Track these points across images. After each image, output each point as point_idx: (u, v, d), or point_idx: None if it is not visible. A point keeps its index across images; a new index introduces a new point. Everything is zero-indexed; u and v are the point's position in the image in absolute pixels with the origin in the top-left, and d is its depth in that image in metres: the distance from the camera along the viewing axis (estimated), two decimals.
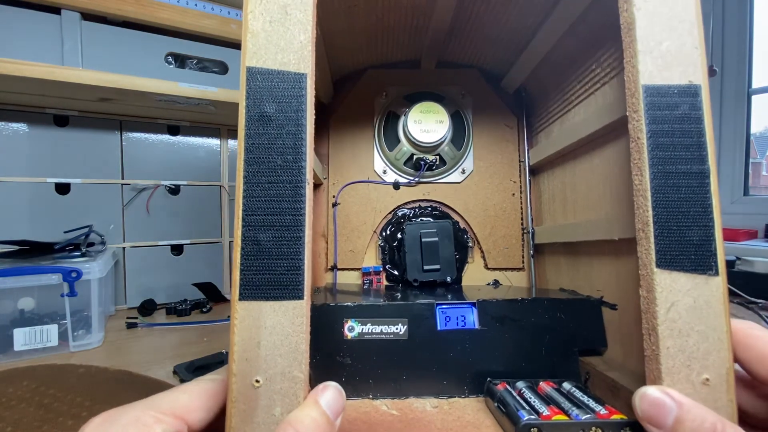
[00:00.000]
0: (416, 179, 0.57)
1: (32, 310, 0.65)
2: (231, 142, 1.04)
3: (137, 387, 0.53)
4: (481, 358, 0.38)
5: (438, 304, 0.39)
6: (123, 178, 0.91)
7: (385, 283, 0.55)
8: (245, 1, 0.27)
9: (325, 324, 0.38)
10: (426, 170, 0.56)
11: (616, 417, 0.28)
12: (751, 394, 0.27)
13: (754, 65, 1.36)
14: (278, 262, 0.25)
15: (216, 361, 0.59)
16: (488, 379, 0.37)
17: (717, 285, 0.26)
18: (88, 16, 0.77)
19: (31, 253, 0.75)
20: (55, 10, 0.75)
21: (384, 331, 0.38)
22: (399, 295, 0.46)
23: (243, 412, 0.23)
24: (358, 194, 0.57)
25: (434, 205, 0.58)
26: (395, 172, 0.57)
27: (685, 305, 0.25)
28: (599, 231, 0.41)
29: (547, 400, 0.32)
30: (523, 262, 0.57)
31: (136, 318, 0.82)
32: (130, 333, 0.75)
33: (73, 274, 0.64)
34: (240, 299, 0.25)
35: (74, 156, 0.86)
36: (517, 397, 0.33)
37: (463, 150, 0.57)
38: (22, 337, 0.63)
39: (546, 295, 0.45)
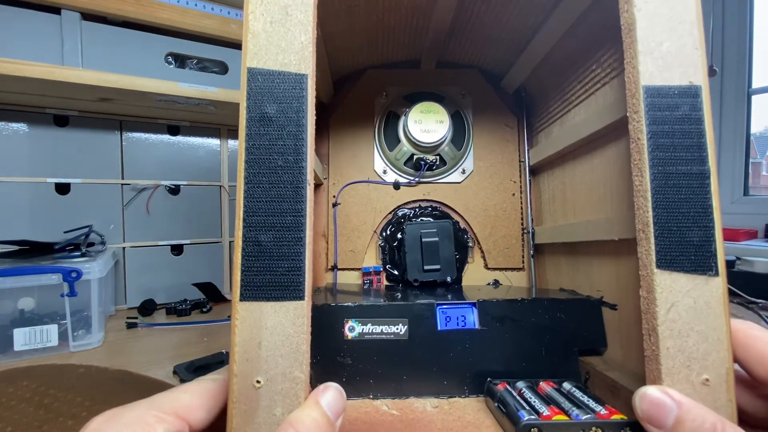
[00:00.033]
0: (416, 179, 0.57)
1: (32, 310, 0.65)
2: (231, 142, 1.03)
3: (137, 387, 0.53)
4: (481, 358, 0.38)
5: (438, 305, 0.39)
6: (123, 178, 0.91)
7: (386, 283, 0.55)
8: (246, 1, 0.27)
9: (325, 324, 0.38)
10: (426, 170, 0.56)
11: (616, 417, 0.28)
12: (751, 394, 0.27)
13: (754, 65, 1.36)
14: (279, 263, 0.25)
15: (216, 361, 0.59)
16: (488, 379, 0.37)
17: (717, 285, 0.26)
18: (88, 16, 0.77)
19: (31, 253, 0.75)
20: (55, 10, 0.74)
21: (384, 331, 0.38)
22: (399, 295, 0.46)
23: (244, 413, 0.23)
24: (358, 194, 0.57)
25: (434, 205, 0.58)
26: (395, 172, 0.57)
27: (685, 306, 0.26)
28: (599, 231, 0.41)
29: (547, 400, 0.32)
30: (523, 262, 0.57)
31: (136, 318, 0.82)
32: (130, 333, 0.75)
33: (73, 274, 0.64)
34: (241, 300, 0.25)
35: (74, 156, 0.86)
36: (518, 397, 0.33)
37: (464, 150, 0.57)
38: (22, 337, 0.63)
39: (546, 295, 0.45)
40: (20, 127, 0.81)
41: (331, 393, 0.24)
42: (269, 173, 0.25)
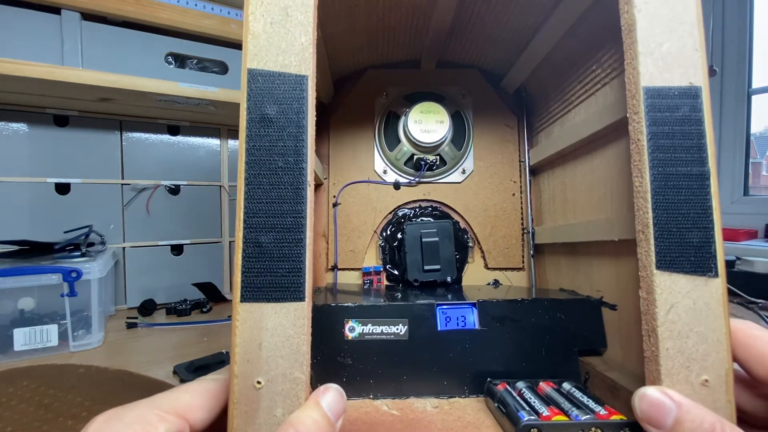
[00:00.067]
0: (416, 179, 0.57)
1: (32, 310, 0.65)
2: (231, 142, 1.03)
3: (137, 387, 0.53)
4: (481, 358, 0.38)
5: (438, 305, 0.39)
6: (123, 178, 0.91)
7: (386, 283, 0.55)
8: (246, 2, 0.27)
9: (325, 324, 0.38)
10: (426, 170, 0.56)
11: (616, 417, 0.28)
12: (750, 393, 0.27)
13: (754, 65, 1.36)
14: (279, 264, 0.25)
15: (216, 361, 0.59)
16: (488, 379, 0.37)
17: (716, 287, 0.26)
18: (88, 16, 0.77)
19: (31, 253, 0.75)
20: (55, 10, 0.74)
21: (384, 331, 0.38)
22: (399, 295, 0.47)
23: (245, 414, 0.24)
24: (358, 194, 0.57)
25: (434, 205, 0.58)
26: (395, 172, 0.57)
27: (685, 307, 0.26)
28: (599, 232, 0.41)
29: (547, 401, 0.32)
30: (523, 262, 0.57)
31: (136, 318, 0.82)
32: (130, 333, 0.75)
33: (73, 274, 0.64)
34: (241, 301, 0.25)
35: (74, 156, 0.86)
36: (517, 398, 0.33)
37: (464, 150, 0.57)
38: (22, 337, 0.63)
39: (546, 295, 0.45)
40: (20, 127, 0.81)
41: (331, 394, 0.24)
42: (269, 174, 0.25)
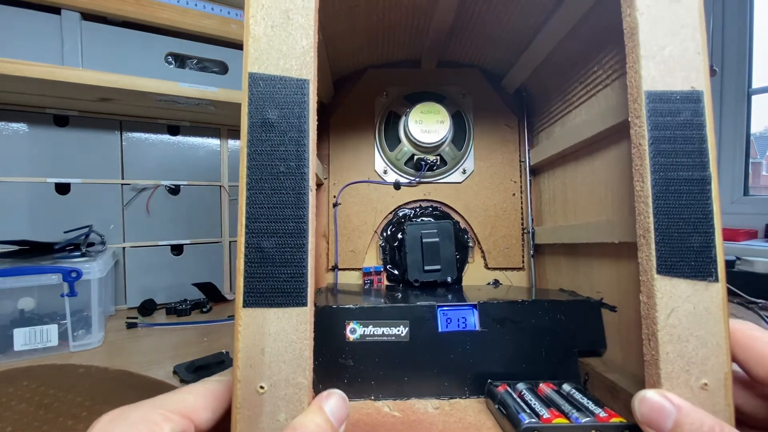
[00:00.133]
0: (417, 179, 0.57)
1: (32, 310, 0.65)
2: (231, 142, 1.04)
3: (137, 387, 0.53)
4: (481, 359, 0.38)
5: (439, 306, 0.39)
6: (123, 178, 0.91)
7: (386, 283, 0.55)
8: (246, 5, 0.26)
9: (327, 326, 0.38)
10: (427, 170, 0.56)
11: (616, 420, 0.28)
12: (750, 394, 0.27)
13: (754, 65, 1.36)
14: (282, 269, 0.25)
15: (216, 361, 0.59)
16: (489, 380, 0.37)
17: (717, 291, 0.26)
18: (88, 16, 0.77)
19: (31, 253, 0.75)
20: (55, 10, 0.74)
21: (385, 333, 0.38)
22: (400, 296, 0.47)
23: (248, 418, 0.24)
24: (358, 194, 0.57)
25: (435, 205, 0.58)
26: (396, 172, 0.57)
27: (685, 311, 0.26)
28: (600, 234, 0.41)
29: (547, 403, 0.32)
30: (523, 262, 0.57)
31: (136, 318, 0.82)
32: (130, 333, 0.75)
33: (73, 274, 0.64)
34: (244, 306, 0.25)
35: (74, 156, 0.86)
36: (518, 400, 0.33)
37: (464, 150, 0.57)
38: (22, 337, 0.63)
39: (546, 296, 0.45)
40: (20, 127, 0.81)
41: (334, 399, 0.25)
42: (271, 179, 0.25)
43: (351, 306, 0.39)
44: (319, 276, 0.56)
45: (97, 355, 0.64)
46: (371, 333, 0.38)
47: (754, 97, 1.37)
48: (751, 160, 1.38)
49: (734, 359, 0.26)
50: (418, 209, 0.57)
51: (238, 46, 0.91)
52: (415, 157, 0.56)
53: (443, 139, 0.55)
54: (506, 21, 0.48)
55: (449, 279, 0.53)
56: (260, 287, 0.25)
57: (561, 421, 0.29)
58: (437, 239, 0.53)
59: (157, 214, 0.94)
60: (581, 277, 0.47)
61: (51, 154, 0.84)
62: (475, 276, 0.57)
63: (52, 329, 0.65)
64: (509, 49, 0.53)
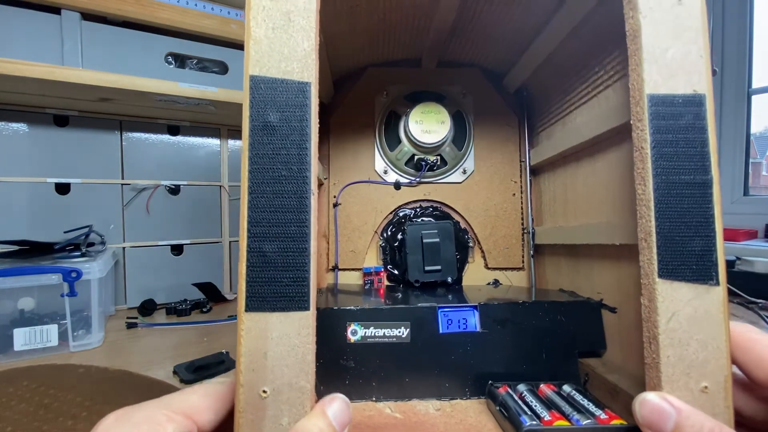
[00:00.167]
0: (417, 179, 0.57)
1: (32, 310, 0.65)
2: (231, 142, 1.03)
3: (137, 387, 0.53)
4: (482, 360, 0.39)
5: (440, 308, 0.40)
6: (123, 178, 0.90)
7: (386, 283, 0.56)
8: (247, 6, 0.26)
9: (328, 328, 0.38)
10: (427, 170, 0.56)
11: (616, 422, 0.28)
12: (749, 396, 0.27)
13: (754, 65, 1.36)
14: (284, 273, 0.25)
15: (216, 361, 0.59)
16: (490, 382, 0.37)
17: (717, 294, 0.26)
18: (88, 16, 0.77)
19: (31, 253, 0.75)
20: (55, 10, 0.74)
21: (387, 334, 0.38)
22: (401, 297, 0.47)
23: (251, 422, 0.24)
24: (359, 194, 0.57)
25: (435, 205, 0.58)
26: (396, 173, 0.57)
27: (686, 315, 0.26)
28: (600, 235, 0.41)
29: (548, 404, 0.32)
30: (523, 262, 0.57)
31: (136, 318, 0.82)
32: (130, 333, 0.75)
33: (73, 274, 0.64)
34: (246, 310, 0.25)
35: (74, 156, 0.86)
36: (519, 401, 0.33)
37: (464, 150, 0.57)
38: (22, 337, 0.63)
39: (546, 296, 0.45)
40: (20, 127, 0.81)
41: (337, 404, 0.25)
42: (273, 183, 0.25)
43: (352, 307, 0.39)
44: (320, 276, 0.56)
45: (97, 355, 0.64)
46: (372, 334, 0.38)
47: (754, 97, 1.37)
48: (751, 160, 1.37)
49: (734, 362, 0.26)
50: (418, 209, 0.57)
51: (238, 46, 0.91)
52: (416, 158, 0.56)
53: (444, 140, 0.55)
54: (507, 21, 0.48)
55: (449, 279, 0.53)
56: (262, 291, 0.25)
57: (562, 423, 0.29)
58: (438, 239, 0.53)
59: (157, 214, 0.94)
60: (581, 277, 0.47)
61: (51, 154, 0.84)
62: (475, 276, 0.57)
63: (52, 329, 0.65)
64: (510, 48, 0.53)
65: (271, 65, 0.26)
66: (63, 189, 0.85)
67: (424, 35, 0.52)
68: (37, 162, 0.83)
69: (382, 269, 0.55)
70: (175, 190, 0.96)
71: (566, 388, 0.35)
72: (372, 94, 0.58)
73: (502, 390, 0.35)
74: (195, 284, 0.95)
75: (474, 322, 0.39)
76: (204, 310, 0.88)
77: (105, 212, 0.89)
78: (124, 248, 0.91)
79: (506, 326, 0.39)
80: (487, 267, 0.57)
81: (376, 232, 0.57)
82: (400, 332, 0.38)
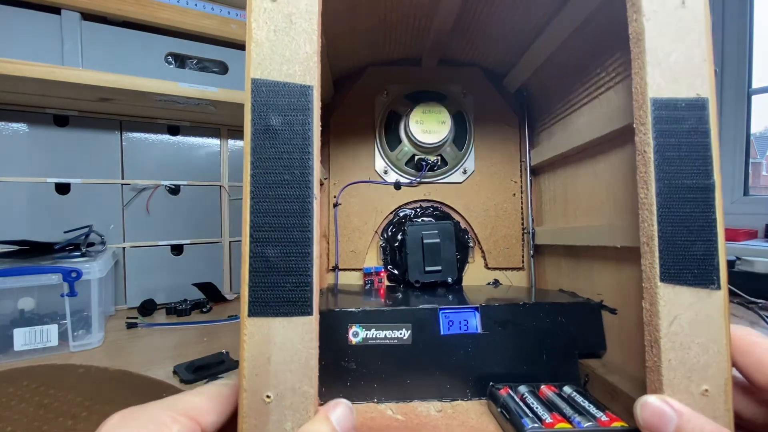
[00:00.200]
0: (417, 179, 0.57)
1: (32, 310, 0.65)
2: (231, 142, 1.03)
3: (137, 387, 0.53)
4: (483, 361, 0.39)
5: (441, 309, 0.40)
6: (123, 178, 0.90)
7: (387, 283, 0.56)
8: (249, 8, 0.26)
9: (329, 329, 0.38)
10: (427, 170, 0.56)
11: (617, 424, 0.28)
12: (750, 399, 0.27)
13: (754, 65, 1.36)
14: (287, 278, 0.25)
15: (216, 361, 0.59)
16: (491, 383, 0.37)
17: (719, 298, 0.26)
18: (88, 16, 0.77)
19: (31, 253, 0.75)
20: (55, 10, 0.74)
21: (388, 336, 0.38)
22: (402, 298, 0.47)
23: (254, 427, 0.24)
24: (359, 194, 0.57)
25: (435, 205, 0.58)
26: (396, 173, 0.57)
27: (687, 319, 0.26)
28: (601, 237, 0.41)
29: (549, 406, 0.32)
30: (523, 262, 0.57)
31: (136, 318, 0.82)
32: (130, 333, 0.75)
33: (73, 274, 0.64)
34: (249, 316, 0.24)
35: (74, 156, 0.86)
36: (520, 403, 0.33)
37: (465, 150, 0.57)
38: (22, 337, 0.63)
39: (546, 297, 0.45)
40: (20, 127, 0.81)
41: (341, 409, 0.25)
42: (275, 187, 0.25)
43: (353, 309, 0.39)
44: (321, 277, 0.56)
45: (97, 355, 0.64)
46: (374, 336, 0.38)
47: (754, 97, 1.37)
48: (751, 160, 1.37)
49: (734, 365, 0.26)
50: (418, 209, 0.57)
51: (238, 46, 0.91)
52: (416, 158, 0.56)
53: (444, 140, 0.54)
54: (508, 21, 0.48)
55: (450, 279, 0.53)
56: (265, 296, 0.24)
57: (563, 425, 0.29)
58: (438, 240, 0.53)
59: (157, 214, 0.94)
60: (581, 278, 0.47)
61: (51, 154, 0.84)
62: (475, 276, 0.57)
63: (52, 329, 0.65)
64: (511, 49, 0.53)
65: (272, 68, 0.26)
66: (63, 189, 0.85)
67: (425, 35, 0.52)
68: (37, 162, 0.82)
69: (383, 269, 0.55)
70: (175, 190, 0.96)
71: (567, 389, 0.35)
72: (372, 94, 0.58)
73: (504, 391, 0.35)
74: (195, 284, 0.95)
75: (475, 323, 0.40)
76: (204, 310, 0.88)
77: (105, 212, 0.89)
78: (124, 248, 0.91)
79: (507, 327, 0.39)
80: (487, 267, 0.57)
81: (376, 232, 0.57)
82: (401, 334, 0.38)
